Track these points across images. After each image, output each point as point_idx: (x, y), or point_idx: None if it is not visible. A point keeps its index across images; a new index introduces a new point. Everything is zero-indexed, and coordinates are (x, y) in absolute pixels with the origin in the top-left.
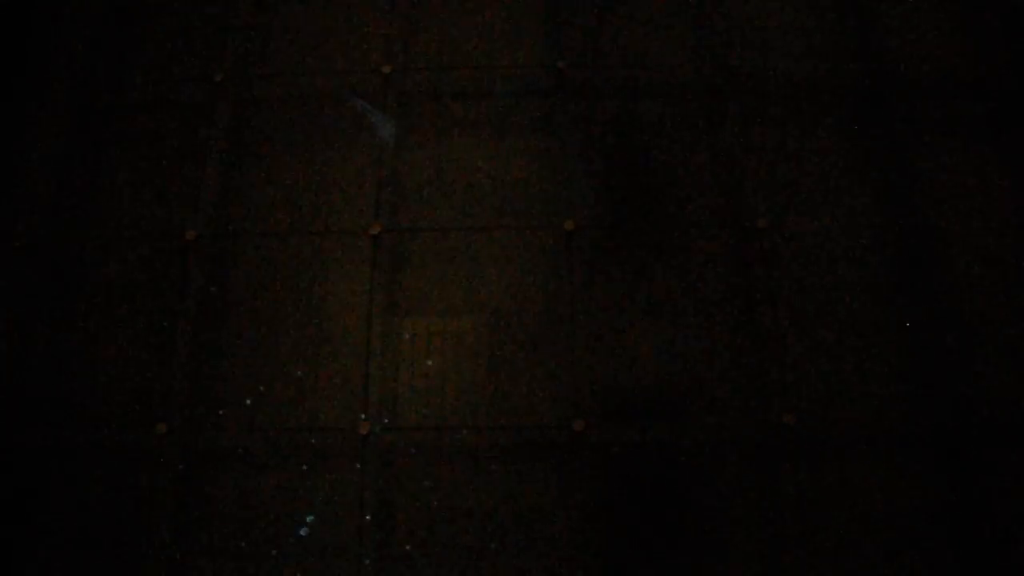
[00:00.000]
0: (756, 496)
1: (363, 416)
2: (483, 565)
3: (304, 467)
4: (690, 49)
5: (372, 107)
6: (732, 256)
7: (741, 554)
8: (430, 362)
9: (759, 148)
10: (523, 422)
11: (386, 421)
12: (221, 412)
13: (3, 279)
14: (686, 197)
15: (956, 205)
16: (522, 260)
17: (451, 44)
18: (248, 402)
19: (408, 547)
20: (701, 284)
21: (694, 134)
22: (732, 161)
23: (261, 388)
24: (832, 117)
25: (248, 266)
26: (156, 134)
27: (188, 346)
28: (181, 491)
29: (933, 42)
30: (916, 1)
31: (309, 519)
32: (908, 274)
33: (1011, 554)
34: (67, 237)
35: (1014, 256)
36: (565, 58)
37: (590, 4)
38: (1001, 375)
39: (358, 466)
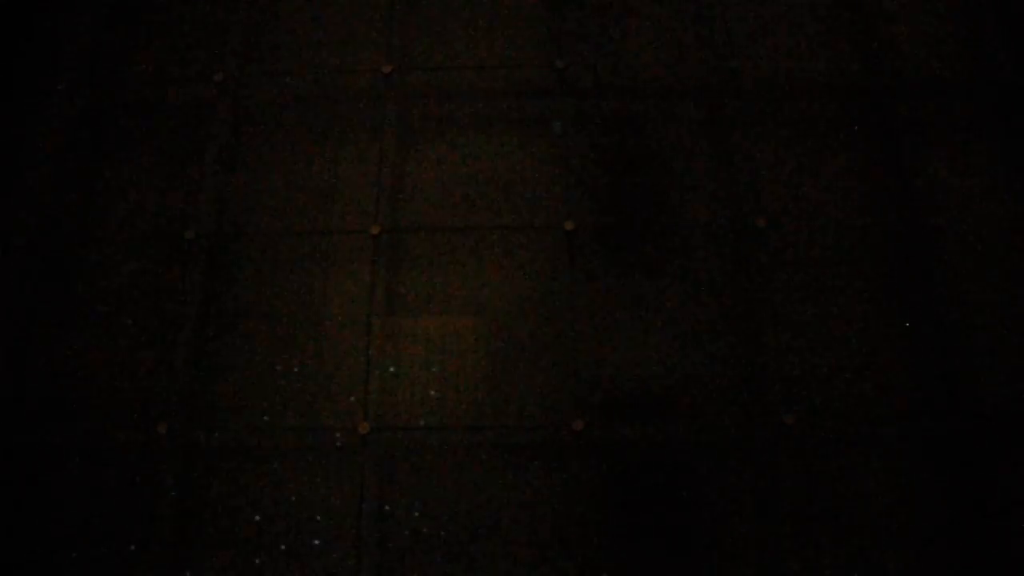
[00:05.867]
0: (756, 496)
1: (363, 416)
2: (483, 565)
3: (303, 466)
4: (690, 49)
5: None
6: (732, 256)
7: (741, 554)
8: (430, 362)
9: (759, 148)
10: (523, 422)
11: (386, 422)
12: (221, 412)
13: (3, 279)
14: (686, 197)
15: (956, 205)
16: (522, 260)
17: (451, 44)
18: (248, 402)
19: (408, 547)
20: (701, 284)
21: (694, 134)
22: (732, 161)
23: (261, 388)
24: (832, 117)
25: (248, 266)
26: (156, 134)
27: (188, 346)
28: (181, 491)
29: (933, 42)
30: (916, 1)
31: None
32: (908, 274)
33: (1011, 554)
34: (67, 237)
35: (1014, 256)
36: (565, 58)
37: (590, 4)
38: (1001, 375)
39: (358, 466)
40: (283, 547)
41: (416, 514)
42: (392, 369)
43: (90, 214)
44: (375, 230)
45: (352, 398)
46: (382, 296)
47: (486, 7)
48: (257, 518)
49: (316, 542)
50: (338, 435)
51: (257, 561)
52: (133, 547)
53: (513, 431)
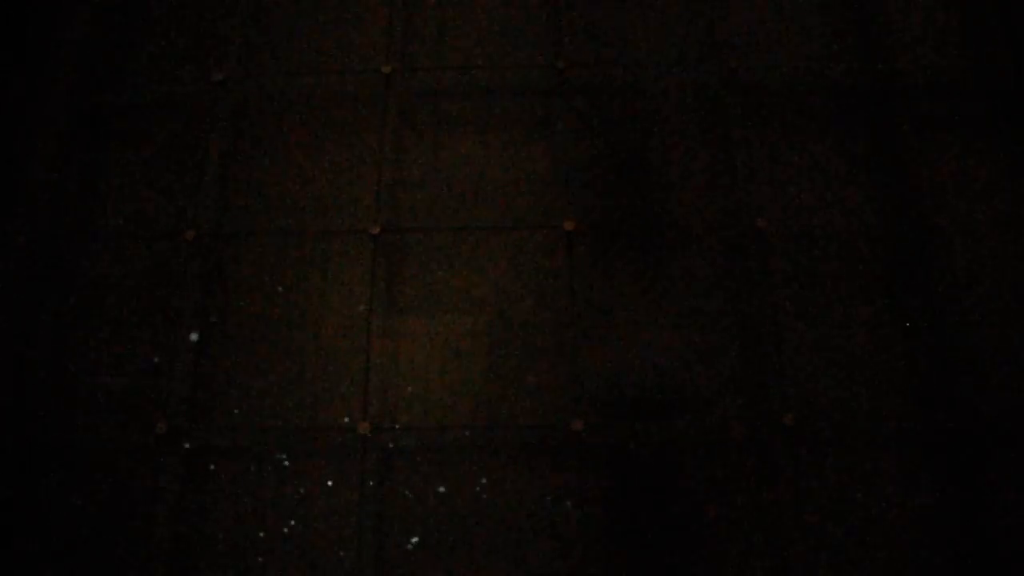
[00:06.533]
0: (756, 496)
1: (363, 416)
2: (482, 565)
3: (303, 466)
4: (690, 49)
5: None
6: (732, 256)
7: (741, 554)
8: (430, 362)
9: (759, 148)
10: (523, 422)
11: (386, 422)
12: (221, 412)
13: (3, 279)
14: (686, 197)
15: (956, 205)
16: (522, 260)
17: (451, 44)
18: (248, 402)
19: (408, 547)
20: (701, 284)
21: (694, 134)
22: (732, 161)
23: (261, 388)
24: (832, 117)
25: (248, 266)
26: (156, 134)
27: (188, 346)
28: (181, 491)
29: (933, 42)
30: (916, 1)
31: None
32: (908, 274)
33: (1011, 554)
34: (67, 237)
35: (1014, 256)
36: (565, 58)
37: (590, 4)
38: (1001, 375)
39: (358, 466)
40: (283, 547)
41: (416, 514)
42: (392, 369)
43: (90, 214)
44: (375, 230)
45: (352, 398)
46: (382, 296)
47: (486, 7)
48: (257, 518)
49: (316, 542)
50: (338, 435)
51: (257, 561)
52: (132, 547)
53: (513, 431)
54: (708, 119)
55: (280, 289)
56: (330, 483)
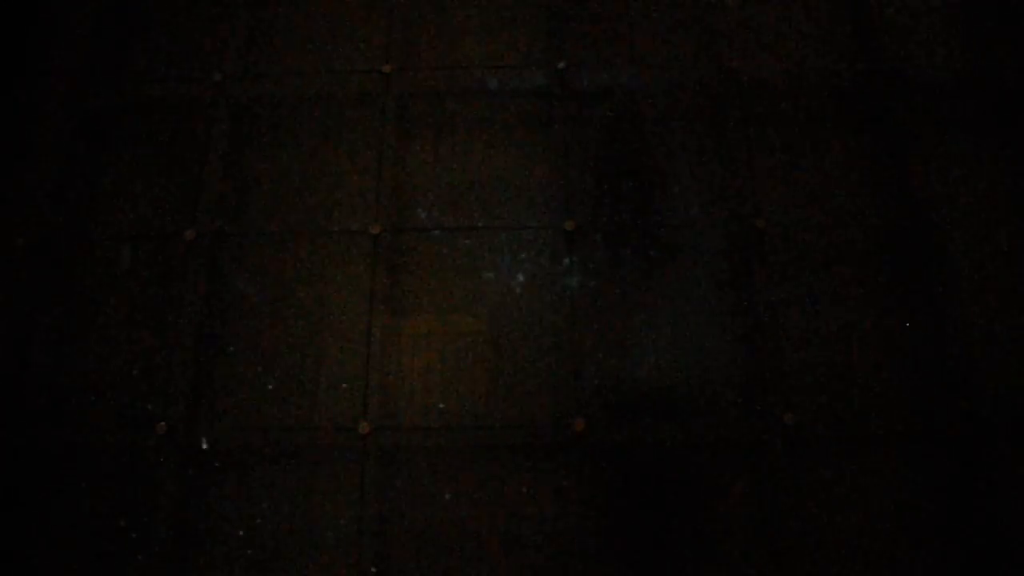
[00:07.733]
0: (756, 496)
1: (363, 416)
2: (483, 565)
3: (303, 467)
4: (690, 49)
5: None
6: (732, 256)
7: (741, 554)
8: (430, 362)
9: (759, 148)
10: (523, 422)
11: (386, 422)
12: (221, 412)
13: (3, 279)
14: (686, 197)
15: (956, 205)
16: (522, 260)
17: (451, 44)
18: (248, 402)
19: (408, 547)
20: (701, 284)
21: (694, 134)
22: (732, 161)
23: (261, 388)
24: (832, 117)
25: (248, 266)
26: (156, 134)
27: (188, 346)
28: (181, 491)
29: (933, 42)
30: (916, 1)
31: None
32: (908, 274)
33: (1011, 554)
34: (67, 237)
35: (1014, 256)
36: (565, 58)
37: (590, 4)
38: (1001, 375)
39: (358, 466)
40: (283, 548)
41: (416, 514)
42: (392, 369)
43: (90, 214)
44: (375, 230)
45: (352, 398)
46: (382, 296)
47: (486, 7)
48: (256, 519)
49: (316, 543)
50: (338, 435)
51: (256, 561)
52: (132, 548)
53: (513, 431)
54: (708, 119)
55: (280, 289)
56: (330, 483)
